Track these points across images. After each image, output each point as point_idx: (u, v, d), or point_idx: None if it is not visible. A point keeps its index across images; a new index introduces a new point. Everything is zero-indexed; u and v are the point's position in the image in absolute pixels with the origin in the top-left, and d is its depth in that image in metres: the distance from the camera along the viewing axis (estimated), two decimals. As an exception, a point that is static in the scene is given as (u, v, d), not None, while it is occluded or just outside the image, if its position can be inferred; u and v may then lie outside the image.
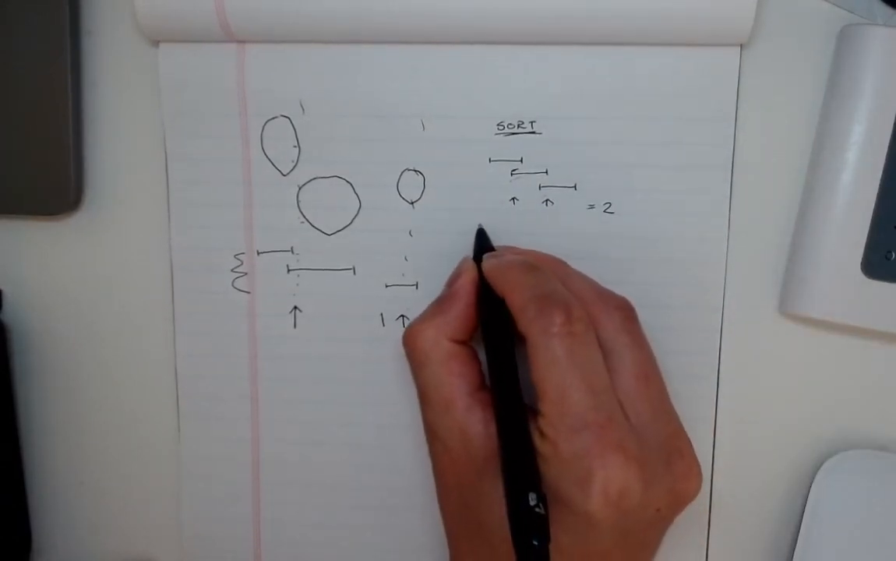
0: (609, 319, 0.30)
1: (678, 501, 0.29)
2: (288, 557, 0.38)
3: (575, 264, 0.34)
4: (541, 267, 0.30)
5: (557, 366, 0.27)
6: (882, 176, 0.32)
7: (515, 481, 0.27)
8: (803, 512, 0.34)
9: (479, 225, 0.34)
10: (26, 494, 0.39)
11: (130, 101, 0.36)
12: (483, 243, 0.33)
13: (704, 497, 0.35)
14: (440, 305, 0.31)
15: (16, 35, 0.34)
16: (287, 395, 0.37)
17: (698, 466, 0.29)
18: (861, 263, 0.32)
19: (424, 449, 0.36)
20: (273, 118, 0.35)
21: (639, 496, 0.27)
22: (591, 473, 0.27)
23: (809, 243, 0.33)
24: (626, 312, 0.30)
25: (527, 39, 0.33)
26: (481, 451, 0.29)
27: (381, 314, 0.36)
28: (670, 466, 0.28)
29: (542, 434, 0.28)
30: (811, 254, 0.33)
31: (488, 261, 0.31)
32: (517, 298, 0.29)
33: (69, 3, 0.34)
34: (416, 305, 0.35)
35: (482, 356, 0.31)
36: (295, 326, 0.36)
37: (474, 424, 0.29)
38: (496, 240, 0.34)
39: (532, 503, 0.26)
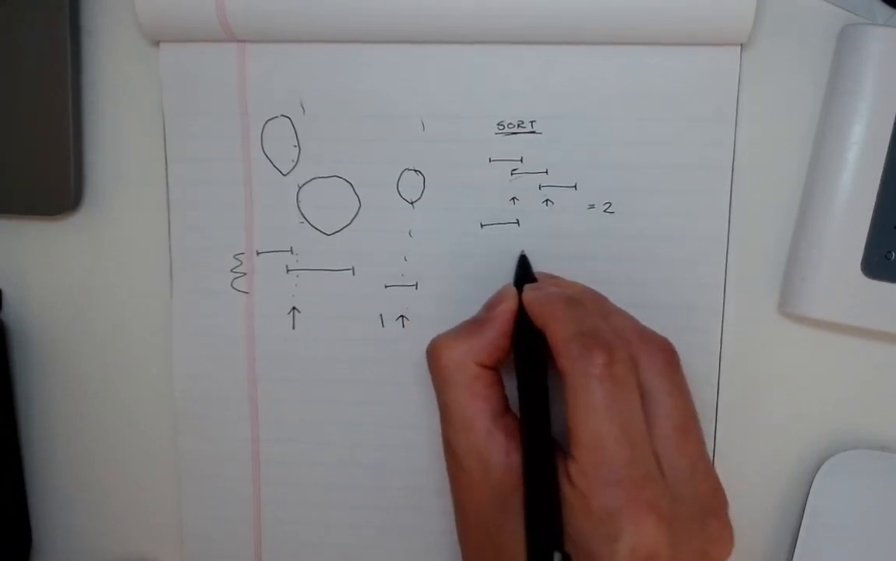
0: (651, 361, 0.28)
1: None
2: (288, 557, 0.38)
3: (575, 264, 0.34)
4: (584, 303, 0.29)
5: (596, 412, 0.26)
6: (882, 176, 0.32)
7: (539, 534, 0.26)
8: (803, 512, 0.34)
9: (522, 252, 0.34)
10: (26, 494, 0.39)
11: (130, 102, 0.36)
12: (525, 270, 0.33)
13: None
14: (475, 326, 0.30)
15: (16, 35, 0.34)
16: (287, 395, 0.37)
17: (731, 530, 0.28)
18: (861, 263, 0.32)
19: (424, 449, 0.36)
20: (273, 118, 0.35)
21: (667, 558, 0.26)
22: (620, 530, 0.25)
23: (809, 243, 0.33)
24: (668, 354, 0.29)
25: (527, 39, 0.33)
26: (503, 481, 0.28)
27: (381, 315, 0.36)
28: (704, 528, 0.27)
29: (571, 481, 0.27)
30: (811, 254, 0.33)
31: (530, 292, 0.30)
32: (560, 332, 0.28)
33: (69, 4, 0.34)
34: (416, 304, 0.35)
35: (506, 382, 0.31)
36: (293, 326, 0.36)
37: (496, 451, 0.28)
38: (497, 239, 0.34)
39: None
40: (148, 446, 0.38)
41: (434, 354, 0.30)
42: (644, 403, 0.28)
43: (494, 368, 0.30)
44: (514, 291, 0.31)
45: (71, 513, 0.39)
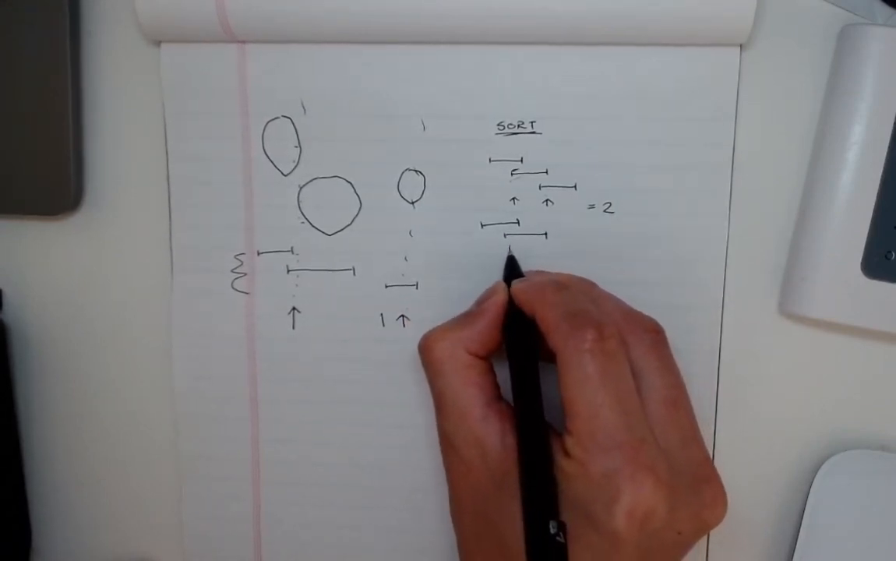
0: (639, 340, 0.29)
1: (702, 526, 0.29)
2: (288, 557, 0.38)
3: (575, 264, 0.34)
4: (570, 287, 0.30)
5: (589, 384, 0.27)
6: (882, 176, 0.32)
7: (535, 506, 0.27)
8: (803, 512, 0.34)
9: (510, 252, 0.34)
10: (26, 494, 0.39)
11: (130, 102, 0.36)
12: (513, 269, 0.33)
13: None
14: (464, 319, 0.31)
15: (16, 35, 0.34)
16: (287, 395, 0.37)
17: (724, 493, 0.29)
18: (861, 263, 0.32)
19: (424, 449, 0.36)
20: (274, 118, 0.35)
21: (663, 518, 0.27)
22: (619, 492, 0.26)
23: (809, 243, 0.33)
24: (655, 334, 0.30)
25: (527, 39, 0.33)
26: (499, 463, 0.29)
27: (381, 315, 0.36)
28: (698, 493, 0.28)
29: (566, 453, 0.27)
30: (811, 254, 0.33)
31: (518, 283, 0.31)
32: (549, 315, 0.29)
33: (69, 4, 0.34)
34: (416, 305, 0.35)
35: (498, 374, 0.31)
36: (294, 326, 0.36)
37: (490, 434, 0.29)
38: (497, 239, 0.34)
39: (553, 532, 0.26)
40: (148, 446, 0.38)
41: (426, 347, 0.31)
42: (635, 380, 0.28)
43: (485, 359, 0.31)
44: (503, 284, 0.32)
45: (71, 513, 0.39)
